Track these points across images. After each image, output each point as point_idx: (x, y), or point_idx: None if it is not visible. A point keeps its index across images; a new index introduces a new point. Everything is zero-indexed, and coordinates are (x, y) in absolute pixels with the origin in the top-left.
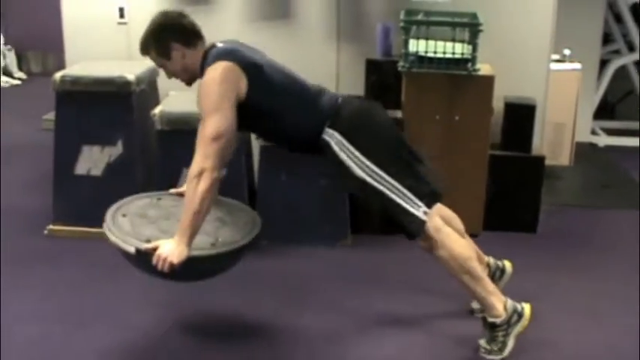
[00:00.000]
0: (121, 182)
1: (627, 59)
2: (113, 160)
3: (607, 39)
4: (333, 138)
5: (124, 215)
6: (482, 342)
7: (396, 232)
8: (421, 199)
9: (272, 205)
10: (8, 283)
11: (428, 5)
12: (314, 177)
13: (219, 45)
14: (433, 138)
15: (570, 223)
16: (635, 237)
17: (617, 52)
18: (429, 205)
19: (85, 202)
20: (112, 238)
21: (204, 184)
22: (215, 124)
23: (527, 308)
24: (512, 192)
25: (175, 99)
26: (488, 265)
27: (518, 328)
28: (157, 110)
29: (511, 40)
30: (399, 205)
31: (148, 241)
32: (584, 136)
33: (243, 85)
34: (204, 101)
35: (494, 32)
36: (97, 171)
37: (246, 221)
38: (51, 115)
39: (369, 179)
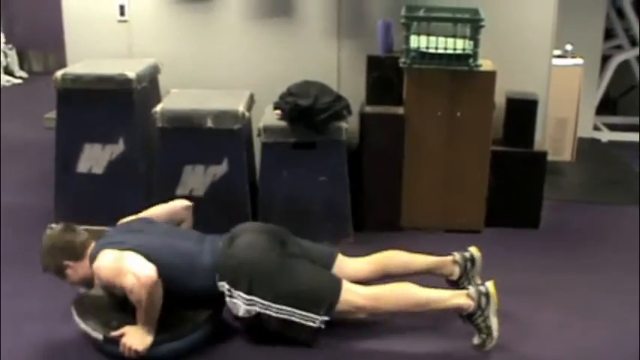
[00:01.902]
0: (122, 180)
1: (629, 54)
2: (115, 158)
3: (609, 34)
4: (224, 288)
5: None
6: (475, 339)
7: (399, 229)
8: (312, 310)
9: (274, 203)
10: (11, 282)
11: (429, 1)
12: (316, 173)
13: (94, 244)
14: (435, 134)
15: (572, 219)
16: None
17: (619, 47)
18: (328, 310)
19: (87, 200)
20: (81, 325)
21: (144, 291)
22: (132, 281)
23: (490, 286)
24: (515, 188)
25: (176, 96)
26: (455, 262)
27: (492, 307)
28: (158, 108)
29: (513, 36)
30: (293, 323)
31: (116, 328)
32: (586, 132)
33: None
34: (111, 278)
35: (496, 28)
36: (98, 169)
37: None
38: (52, 114)
39: (260, 310)
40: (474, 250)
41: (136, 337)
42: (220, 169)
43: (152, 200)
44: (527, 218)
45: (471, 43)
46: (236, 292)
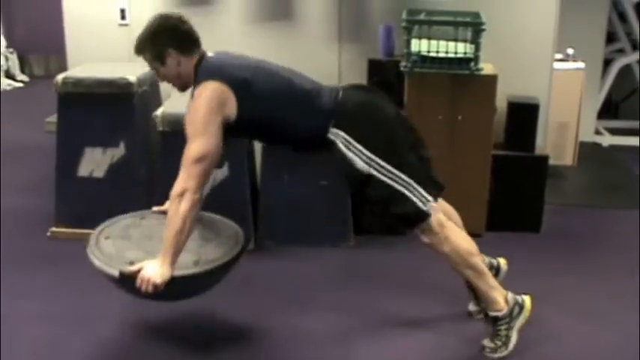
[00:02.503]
0: (123, 184)
1: (631, 58)
2: (115, 162)
3: (611, 38)
4: (338, 137)
5: (107, 238)
6: (486, 341)
7: (399, 232)
8: (427, 191)
9: (275, 206)
10: (12, 285)
11: (430, 5)
12: (317, 177)
13: (210, 57)
14: (436, 138)
15: (574, 223)
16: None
17: (621, 51)
18: (435, 198)
19: (88, 203)
20: (96, 262)
21: (185, 204)
22: (200, 147)
23: (527, 300)
24: (516, 192)
25: (177, 100)
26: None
27: (520, 321)
28: (158, 111)
29: (514, 40)
30: (404, 196)
31: (132, 263)
32: (587, 136)
33: (231, 105)
34: (190, 123)
35: (497, 31)
36: (99, 173)
37: (229, 236)
38: (53, 118)
39: (375, 173)
40: (502, 262)
41: (154, 270)
42: (221, 172)
43: (153, 204)
44: (528, 222)
45: (472, 46)
46: (357, 146)
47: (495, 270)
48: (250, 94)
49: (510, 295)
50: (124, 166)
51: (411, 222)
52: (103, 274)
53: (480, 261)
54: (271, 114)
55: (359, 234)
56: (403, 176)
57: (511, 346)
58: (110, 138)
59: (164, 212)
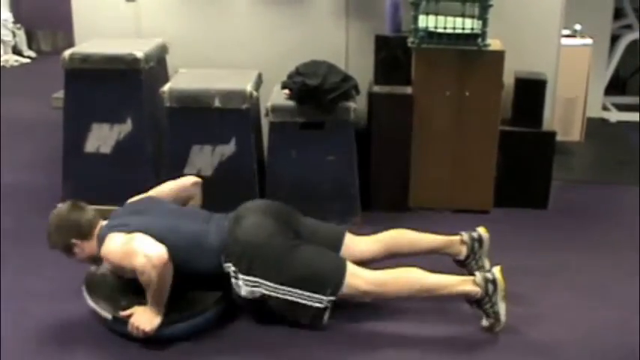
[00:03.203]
0: (130, 160)
1: (638, 34)
2: (122, 138)
3: (618, 14)
4: (231, 270)
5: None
6: (483, 321)
7: (407, 209)
8: (322, 293)
9: (282, 183)
10: (19, 262)
11: None
12: (324, 154)
13: (104, 224)
14: (443, 114)
15: (581, 199)
16: None
17: (628, 26)
18: (334, 292)
19: (95, 179)
20: (91, 304)
21: (154, 272)
22: (142, 261)
23: (497, 272)
24: (523, 168)
25: (184, 76)
26: (462, 241)
27: (499, 294)
28: (166, 87)
29: (521, 15)
30: (298, 306)
31: (124, 308)
32: (595, 112)
33: None
34: (121, 261)
35: (505, 7)
36: (106, 149)
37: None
38: (60, 94)
39: (268, 292)
40: (482, 231)
41: (144, 317)
42: (228, 148)
43: (160, 180)
44: (535, 198)
45: (480, 22)
46: (240, 274)
47: (478, 242)
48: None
49: (479, 276)
50: (131, 142)
51: (312, 322)
52: (95, 315)
53: (425, 281)
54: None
55: (366, 210)
56: (289, 289)
57: (503, 317)
58: (117, 114)
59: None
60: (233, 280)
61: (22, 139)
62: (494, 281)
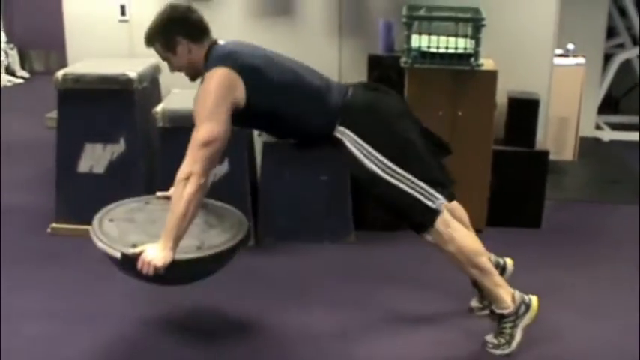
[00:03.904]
0: (123, 180)
1: (631, 53)
2: (115, 158)
3: (611, 33)
4: (345, 135)
5: (111, 220)
6: (489, 337)
7: (400, 228)
8: (436, 190)
9: (275, 202)
10: (12, 281)
11: (430, 0)
12: (317, 172)
13: (221, 44)
14: (436, 133)
15: (574, 219)
16: None
17: (621, 46)
18: (443, 197)
19: (88, 200)
20: (99, 243)
21: (190, 188)
22: (208, 131)
23: (534, 300)
24: (516, 187)
25: (177, 96)
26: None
27: (526, 320)
28: (159, 108)
29: (514, 35)
30: (410, 196)
31: (134, 245)
32: (588, 131)
33: (240, 91)
34: (199, 107)
35: (497, 27)
36: (99, 169)
37: (232, 224)
38: (54, 114)
39: (382, 173)
40: (508, 261)
41: (156, 253)
42: (221, 169)
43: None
44: (528, 218)
45: (473, 42)
46: (365, 145)
47: (501, 269)
48: (260, 83)
49: (517, 294)
50: (124, 162)
51: (418, 223)
52: (106, 256)
53: (486, 259)
54: (279, 106)
55: (360, 229)
56: (410, 177)
57: (515, 344)
58: (110, 134)
59: (168, 198)
60: (351, 148)
61: (16, 159)
62: (528, 306)
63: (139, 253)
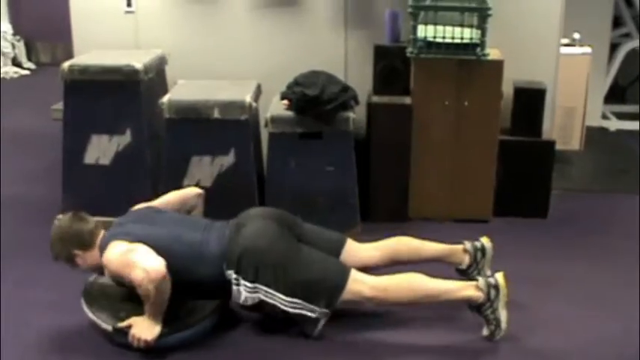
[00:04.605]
0: (129, 171)
1: (637, 42)
2: (122, 149)
3: (617, 22)
4: (232, 277)
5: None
6: (484, 330)
7: (406, 219)
8: (318, 301)
9: (281, 193)
10: (19, 273)
11: None
12: (323, 164)
13: (103, 233)
14: (442, 124)
15: (581, 208)
16: None
17: (627, 35)
18: (330, 303)
19: (94, 191)
20: (90, 316)
21: (152, 286)
22: (140, 275)
23: (500, 278)
24: (523, 177)
25: (183, 87)
26: (465, 250)
27: (501, 299)
28: (165, 99)
29: (520, 25)
30: (297, 315)
31: (122, 319)
32: (594, 121)
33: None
34: (120, 271)
35: (503, 16)
36: (105, 160)
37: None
38: (60, 105)
39: (268, 300)
40: (485, 240)
41: (144, 328)
42: (227, 159)
43: (159, 191)
44: (535, 208)
45: (479, 32)
46: (242, 281)
47: (481, 252)
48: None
49: (481, 282)
50: (130, 153)
51: (310, 331)
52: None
53: (426, 286)
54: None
55: (366, 220)
56: (287, 297)
57: (504, 324)
58: (116, 125)
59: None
60: (234, 287)
61: (22, 151)
62: (496, 286)
63: (129, 327)
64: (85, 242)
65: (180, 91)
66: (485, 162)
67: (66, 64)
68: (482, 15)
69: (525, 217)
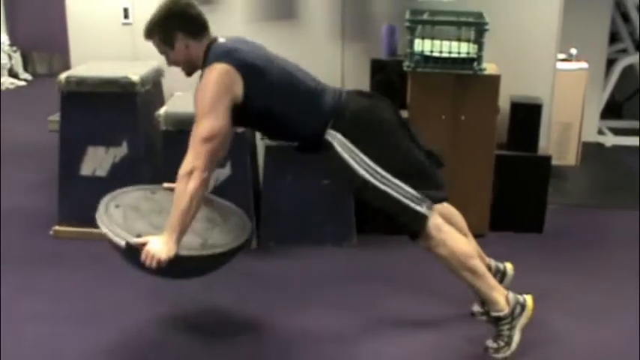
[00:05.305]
0: (126, 183)
1: (634, 58)
2: (118, 161)
3: (614, 38)
4: (335, 139)
5: (117, 206)
6: (489, 342)
7: (400, 232)
8: (424, 196)
9: (277, 206)
10: (15, 283)
11: (433, 5)
12: (319, 177)
13: (221, 41)
14: (439, 138)
15: (577, 224)
16: None
17: (624, 51)
18: (433, 202)
19: (90, 202)
20: (104, 229)
21: (193, 183)
22: (208, 125)
23: (529, 300)
24: (519, 192)
25: (180, 99)
26: (489, 267)
27: (522, 320)
28: (161, 111)
29: (517, 39)
30: (399, 203)
31: (139, 235)
32: (590, 136)
33: (239, 88)
34: (199, 102)
35: (500, 31)
36: (102, 172)
37: (236, 224)
38: (56, 116)
39: (371, 179)
40: (508, 266)
41: (160, 246)
42: (224, 172)
43: None
44: (531, 222)
45: (476, 46)
46: (355, 150)
47: (501, 274)
48: (257, 81)
49: (511, 295)
50: (127, 165)
51: (408, 228)
52: (109, 242)
53: (479, 262)
54: (273, 106)
55: (362, 233)
56: (399, 183)
57: (514, 345)
58: (113, 137)
59: (174, 190)
60: (340, 152)
61: (18, 162)
62: (523, 306)
63: (143, 244)
64: (195, 29)
65: (177, 103)
66: (481, 176)
67: (63, 76)
68: (479, 30)
69: (521, 231)
